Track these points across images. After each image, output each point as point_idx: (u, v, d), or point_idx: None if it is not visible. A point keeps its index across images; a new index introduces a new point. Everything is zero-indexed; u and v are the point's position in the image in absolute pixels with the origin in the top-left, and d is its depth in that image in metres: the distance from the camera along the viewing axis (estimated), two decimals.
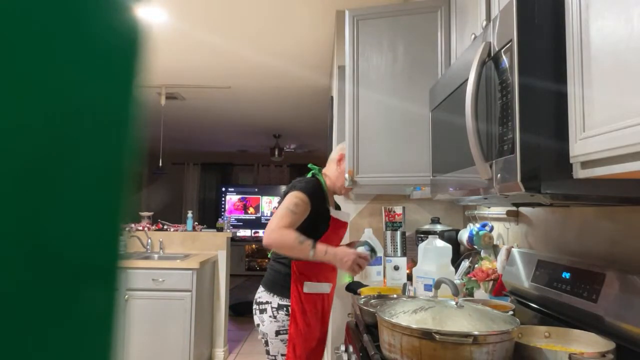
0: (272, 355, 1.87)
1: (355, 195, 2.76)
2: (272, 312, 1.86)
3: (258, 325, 1.90)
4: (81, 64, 0.26)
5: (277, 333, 1.85)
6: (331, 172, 2.04)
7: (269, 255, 2.03)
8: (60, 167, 0.25)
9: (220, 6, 2.96)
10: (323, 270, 1.93)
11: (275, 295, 1.87)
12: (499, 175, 1.03)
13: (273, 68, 4.06)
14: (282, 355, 1.86)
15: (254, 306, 1.93)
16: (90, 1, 0.27)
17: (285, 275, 1.89)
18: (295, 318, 1.84)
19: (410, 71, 1.97)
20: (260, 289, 1.94)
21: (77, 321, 0.26)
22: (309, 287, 1.88)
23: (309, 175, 2.02)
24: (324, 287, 1.94)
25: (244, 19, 3.13)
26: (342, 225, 2.03)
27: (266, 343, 1.88)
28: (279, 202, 1.91)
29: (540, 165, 0.93)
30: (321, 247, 1.78)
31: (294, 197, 1.82)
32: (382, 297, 1.80)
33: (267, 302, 1.88)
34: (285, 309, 1.86)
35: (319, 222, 1.90)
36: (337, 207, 2.17)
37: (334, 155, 2.08)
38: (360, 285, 2.10)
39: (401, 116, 1.96)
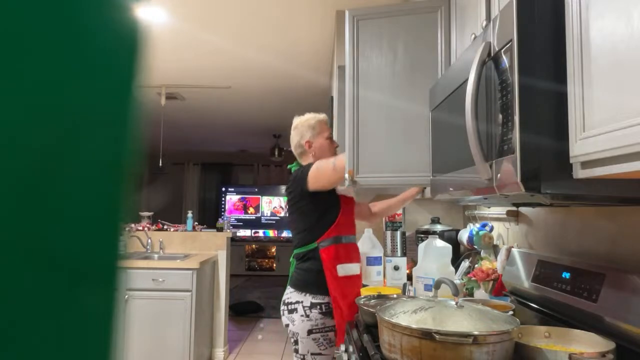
0: (300, 354, 1.86)
1: (355, 195, 2.76)
2: (304, 310, 1.85)
3: (287, 325, 1.89)
4: (81, 64, 0.26)
5: (310, 332, 1.84)
6: (309, 159, 2.06)
7: (291, 259, 2.04)
8: (61, 167, 0.25)
9: (220, 6, 2.96)
10: (349, 252, 1.95)
11: (307, 294, 1.87)
12: (499, 175, 1.03)
13: (273, 68, 4.06)
14: (311, 354, 1.84)
15: (282, 307, 1.93)
16: (90, 1, 0.27)
17: (316, 272, 1.88)
18: (339, 304, 1.83)
19: (410, 71, 1.97)
20: (289, 290, 1.94)
21: (77, 321, 0.26)
22: (342, 270, 1.89)
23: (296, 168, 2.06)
24: (353, 268, 1.94)
25: (244, 18, 3.13)
26: (350, 199, 2.06)
27: (296, 342, 1.86)
28: (289, 204, 1.99)
29: (540, 165, 0.93)
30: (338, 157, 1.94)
31: (323, 162, 1.92)
32: (382, 297, 1.80)
33: (297, 302, 1.87)
34: (319, 307, 1.85)
35: (330, 205, 1.94)
36: None
37: (298, 150, 2.10)
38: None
39: (401, 116, 1.96)
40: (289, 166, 2.14)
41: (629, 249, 1.23)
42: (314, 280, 1.88)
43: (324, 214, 1.91)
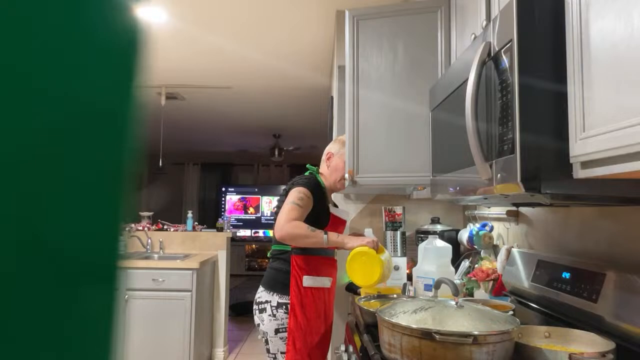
0: (272, 354, 1.90)
1: (355, 195, 2.76)
2: (272, 310, 1.88)
3: (258, 325, 1.93)
4: (81, 64, 0.26)
5: (277, 331, 1.88)
6: (324, 171, 2.11)
7: (268, 255, 2.06)
8: (61, 167, 0.25)
9: (221, 6, 2.96)
10: (322, 265, 1.96)
11: (275, 294, 1.90)
12: (499, 175, 1.03)
13: (273, 68, 4.06)
14: (281, 353, 1.88)
15: (254, 306, 1.96)
16: (90, 2, 0.27)
17: (284, 272, 1.92)
18: (295, 312, 1.87)
19: (410, 71, 1.97)
20: (260, 289, 1.97)
21: (78, 321, 0.26)
22: (309, 281, 1.91)
23: (307, 174, 2.08)
24: (324, 281, 1.96)
25: (244, 18, 3.13)
26: (341, 222, 2.07)
27: (266, 342, 1.91)
28: (279, 201, 1.97)
29: (540, 165, 0.93)
30: (332, 232, 1.85)
31: (298, 192, 1.88)
32: (382, 297, 1.80)
33: (266, 302, 1.91)
34: (284, 306, 1.88)
35: (319, 217, 1.93)
36: (335, 206, 2.21)
37: (323, 156, 2.15)
38: None
39: (401, 116, 1.96)
40: (307, 165, 2.18)
41: (629, 249, 1.23)
42: (281, 280, 1.91)
43: (310, 224, 1.89)
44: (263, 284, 1.97)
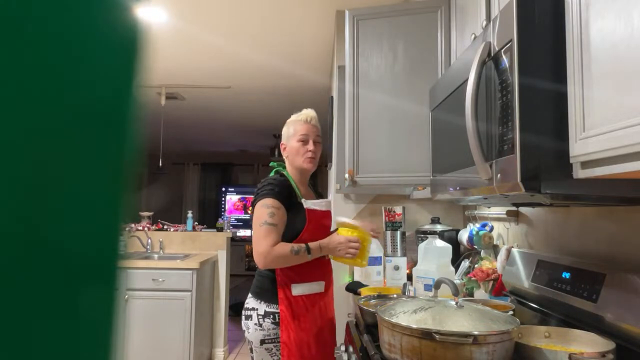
0: None
1: (355, 195, 2.76)
2: (258, 319, 1.77)
3: (244, 331, 1.83)
4: (81, 64, 0.26)
5: (262, 342, 1.76)
6: (287, 165, 1.92)
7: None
8: (61, 166, 0.25)
9: (220, 6, 2.96)
10: (311, 269, 1.81)
11: (262, 302, 1.78)
12: (499, 175, 1.03)
13: (273, 68, 4.06)
14: None
15: (243, 312, 1.86)
16: (90, 1, 0.27)
17: (272, 280, 1.79)
18: (287, 325, 1.74)
19: (410, 71, 1.97)
20: (249, 295, 1.86)
21: (77, 320, 0.26)
22: (298, 289, 1.78)
23: (272, 173, 1.92)
24: (313, 287, 1.82)
25: (244, 18, 3.13)
26: (324, 214, 1.90)
27: (251, 350, 1.81)
28: (251, 210, 1.83)
29: (540, 165, 0.93)
30: (314, 245, 1.74)
31: (266, 208, 1.73)
32: (382, 297, 1.80)
33: (253, 309, 1.80)
34: (272, 316, 1.76)
35: (294, 218, 1.79)
36: (319, 196, 2.03)
37: (281, 149, 1.97)
38: (360, 285, 2.10)
39: (401, 116, 1.96)
40: (271, 164, 1.98)
41: (629, 249, 1.23)
42: (268, 288, 1.79)
43: (286, 230, 1.76)
44: (251, 290, 1.86)
